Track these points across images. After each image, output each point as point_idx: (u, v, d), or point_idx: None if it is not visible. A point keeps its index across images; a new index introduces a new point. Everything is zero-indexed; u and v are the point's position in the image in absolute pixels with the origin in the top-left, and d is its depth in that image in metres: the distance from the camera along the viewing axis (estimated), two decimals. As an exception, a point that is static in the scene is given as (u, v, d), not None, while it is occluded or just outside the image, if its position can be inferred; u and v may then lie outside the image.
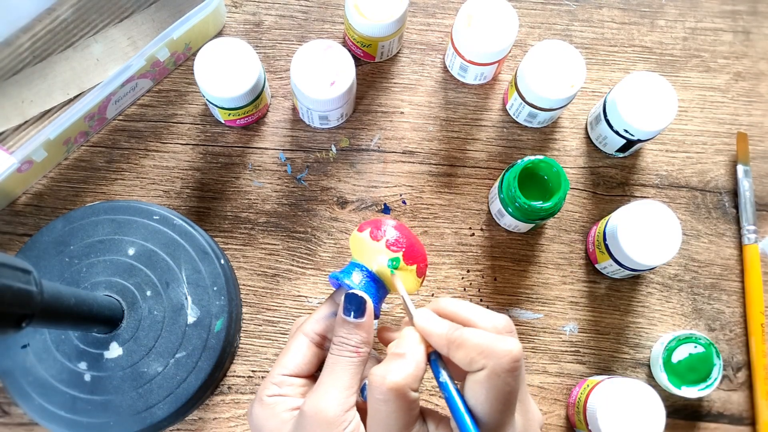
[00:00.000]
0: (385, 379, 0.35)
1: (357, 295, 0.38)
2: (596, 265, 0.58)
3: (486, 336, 0.35)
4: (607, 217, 0.56)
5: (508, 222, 0.57)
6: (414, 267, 0.41)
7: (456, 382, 0.36)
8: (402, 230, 0.41)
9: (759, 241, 0.60)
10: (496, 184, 0.57)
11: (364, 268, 0.41)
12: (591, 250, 0.58)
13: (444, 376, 0.36)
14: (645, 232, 0.53)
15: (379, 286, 0.41)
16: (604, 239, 0.55)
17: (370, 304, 0.39)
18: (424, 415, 0.37)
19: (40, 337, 0.51)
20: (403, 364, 0.35)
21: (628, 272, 0.55)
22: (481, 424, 0.34)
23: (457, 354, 0.35)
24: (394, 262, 0.40)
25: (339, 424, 0.35)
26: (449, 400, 0.35)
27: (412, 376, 0.35)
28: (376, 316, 0.39)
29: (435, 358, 0.37)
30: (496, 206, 0.57)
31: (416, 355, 0.36)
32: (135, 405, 0.50)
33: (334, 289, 0.42)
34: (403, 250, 0.40)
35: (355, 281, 0.40)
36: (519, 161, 0.54)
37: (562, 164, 0.61)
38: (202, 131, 0.60)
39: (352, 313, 0.38)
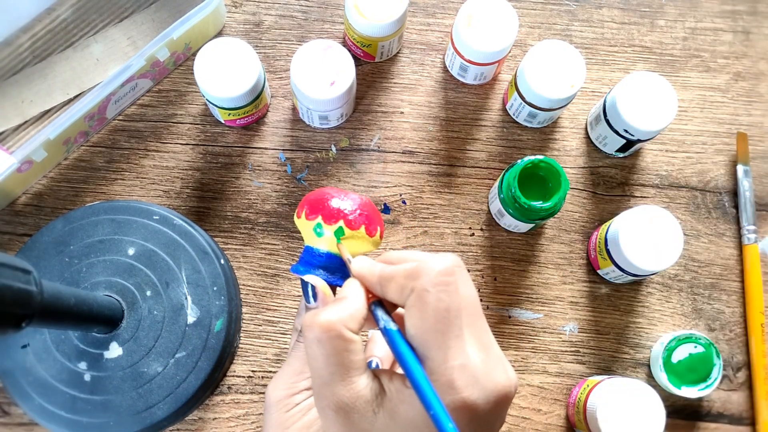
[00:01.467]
0: (317, 317, 0.32)
1: (304, 280, 0.37)
2: (598, 271, 0.58)
3: (413, 263, 0.33)
4: (608, 223, 0.56)
5: (508, 222, 0.57)
6: (361, 229, 0.38)
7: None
8: (337, 199, 0.39)
9: (759, 241, 0.60)
10: (496, 184, 0.57)
11: (318, 253, 0.39)
12: (593, 256, 0.58)
13: (383, 321, 0.33)
14: (646, 238, 0.53)
15: (336, 263, 0.39)
16: (606, 245, 0.55)
17: (320, 288, 0.37)
18: (376, 374, 0.34)
19: (40, 337, 0.51)
20: (338, 306, 0.33)
21: (630, 278, 0.55)
22: (420, 351, 0.31)
23: (389, 287, 0.33)
24: (318, 228, 0.38)
25: (281, 407, 0.35)
26: (390, 343, 0.32)
27: (348, 315, 0.32)
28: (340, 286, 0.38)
29: (375, 306, 0.34)
30: (496, 206, 0.57)
31: (354, 297, 0.34)
32: (135, 405, 0.50)
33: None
34: (343, 218, 0.38)
35: (318, 274, 0.38)
36: (519, 161, 0.54)
37: (562, 164, 0.61)
38: (202, 131, 0.60)
39: (311, 298, 0.37)
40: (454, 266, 0.32)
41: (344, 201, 0.39)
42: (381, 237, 0.40)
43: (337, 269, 0.38)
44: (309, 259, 0.39)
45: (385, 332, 0.33)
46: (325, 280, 0.38)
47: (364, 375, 0.32)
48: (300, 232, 0.58)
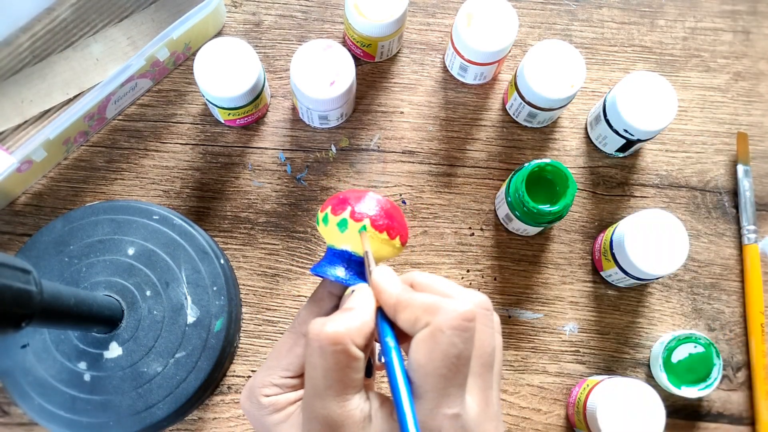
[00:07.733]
0: (324, 327, 0.31)
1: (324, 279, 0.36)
2: (601, 273, 0.58)
3: (436, 296, 0.31)
4: (614, 225, 0.56)
5: (517, 226, 0.57)
6: (385, 234, 0.38)
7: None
8: (365, 199, 0.38)
9: (759, 241, 0.60)
10: (503, 188, 0.57)
11: (341, 253, 0.38)
12: (597, 257, 0.58)
13: (389, 338, 0.32)
14: (652, 242, 0.53)
15: (358, 264, 0.38)
16: (611, 247, 0.55)
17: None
18: (369, 394, 0.33)
19: (39, 337, 0.51)
20: (347, 316, 0.32)
21: (633, 281, 0.55)
22: (416, 389, 0.30)
23: (403, 314, 0.31)
24: (343, 225, 0.37)
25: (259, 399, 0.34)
26: (388, 365, 0.31)
27: (356, 329, 0.31)
28: None
29: (383, 319, 0.33)
30: (504, 210, 0.57)
31: (365, 309, 0.32)
32: (135, 405, 0.50)
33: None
34: (369, 217, 0.37)
35: (339, 273, 0.38)
36: (526, 165, 0.53)
37: (562, 164, 0.61)
38: (202, 131, 0.60)
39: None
40: (479, 310, 0.31)
41: (372, 202, 0.38)
42: (404, 244, 0.39)
43: (358, 270, 0.38)
44: (330, 258, 0.38)
45: (386, 352, 0.32)
46: (345, 281, 0.37)
47: (358, 395, 0.32)
48: (303, 233, 0.58)
